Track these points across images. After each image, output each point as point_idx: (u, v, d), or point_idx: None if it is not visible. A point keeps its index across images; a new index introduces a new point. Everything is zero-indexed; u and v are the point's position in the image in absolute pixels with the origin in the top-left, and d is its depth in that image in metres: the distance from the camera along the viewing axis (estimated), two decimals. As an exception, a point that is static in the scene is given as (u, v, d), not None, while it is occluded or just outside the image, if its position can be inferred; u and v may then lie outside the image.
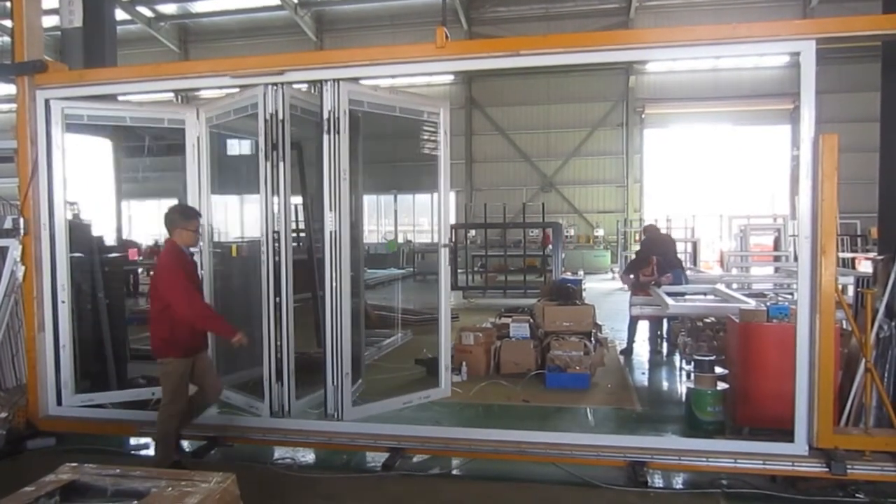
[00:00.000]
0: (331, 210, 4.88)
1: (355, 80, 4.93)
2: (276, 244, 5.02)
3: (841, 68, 20.85)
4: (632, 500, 4.11)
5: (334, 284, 4.88)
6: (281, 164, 4.97)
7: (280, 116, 4.95)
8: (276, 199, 5.02)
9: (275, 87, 4.94)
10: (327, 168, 4.86)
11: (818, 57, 4.09)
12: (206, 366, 4.59)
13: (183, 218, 4.44)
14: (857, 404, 4.45)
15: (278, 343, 5.03)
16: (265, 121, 4.97)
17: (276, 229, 5.02)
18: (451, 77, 24.96)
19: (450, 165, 5.48)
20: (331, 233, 4.89)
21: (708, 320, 7.42)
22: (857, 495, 4.10)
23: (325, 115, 4.84)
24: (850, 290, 7.20)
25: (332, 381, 4.93)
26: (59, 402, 5.30)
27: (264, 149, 5.00)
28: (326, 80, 4.84)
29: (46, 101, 5.19)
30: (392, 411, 5.37)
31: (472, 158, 26.70)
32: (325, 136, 4.84)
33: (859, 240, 19.04)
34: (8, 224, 5.33)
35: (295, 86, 5.14)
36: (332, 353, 4.91)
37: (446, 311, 5.50)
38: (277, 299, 5.01)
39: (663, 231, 10.55)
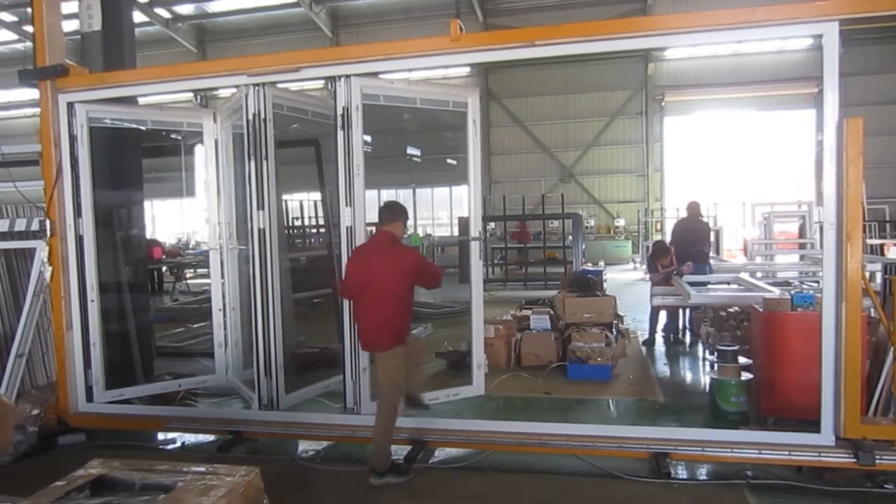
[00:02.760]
0: (347, 205, 4.91)
1: (373, 74, 4.94)
2: (262, 242, 5.09)
3: (866, 49, 20.38)
4: (655, 491, 4.08)
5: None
6: (265, 162, 5.06)
7: (263, 116, 5.04)
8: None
9: (256, 88, 5.04)
10: (342, 164, 4.90)
11: (842, 39, 4.00)
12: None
13: (405, 213, 4.70)
14: (885, 394, 4.37)
15: (266, 338, 5.12)
16: (248, 121, 5.06)
17: (261, 227, 5.09)
18: (468, 69, 24.87)
19: (479, 156, 5.39)
20: (347, 228, 4.93)
21: (731, 310, 7.34)
22: (885, 486, 4.04)
23: (339, 112, 4.87)
24: (878, 278, 7.06)
25: (351, 376, 4.98)
26: (90, 399, 5.41)
27: (247, 148, 5.09)
28: (339, 77, 4.86)
29: (69, 105, 5.28)
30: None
31: (490, 150, 26.60)
32: (340, 132, 4.87)
33: (888, 226, 18.67)
34: (35, 226, 5.44)
35: (313, 83, 5.18)
36: (351, 347, 4.95)
37: (478, 307, 5.36)
38: (264, 296, 5.11)
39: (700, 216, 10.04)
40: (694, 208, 9.46)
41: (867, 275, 4.33)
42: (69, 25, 6.01)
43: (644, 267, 10.73)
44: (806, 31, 4.18)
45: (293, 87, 5.54)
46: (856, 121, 3.91)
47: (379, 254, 4.42)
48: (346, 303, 4.92)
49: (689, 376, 7.24)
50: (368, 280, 4.36)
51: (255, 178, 5.10)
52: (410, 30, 24.13)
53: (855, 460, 3.95)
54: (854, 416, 3.99)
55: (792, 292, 5.34)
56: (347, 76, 4.83)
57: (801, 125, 23.72)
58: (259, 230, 5.11)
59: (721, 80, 23.76)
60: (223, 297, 6.08)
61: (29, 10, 5.30)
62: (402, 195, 28.45)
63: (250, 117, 5.07)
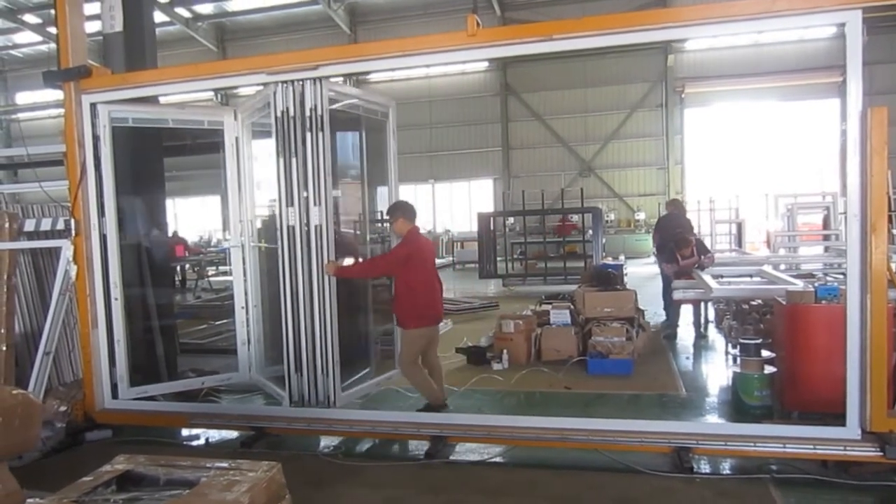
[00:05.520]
0: (315, 205, 5.00)
1: (390, 71, 5.01)
2: (292, 239, 5.13)
3: (892, 37, 19.93)
4: (677, 486, 4.06)
5: (320, 275, 5.07)
6: (294, 160, 5.09)
7: (291, 113, 5.06)
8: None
9: (285, 85, 5.06)
10: (311, 164, 5.01)
11: (866, 26, 3.93)
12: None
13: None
14: (913, 387, 4.30)
15: (297, 336, 5.16)
16: (276, 118, 5.10)
17: (290, 224, 5.13)
18: (486, 64, 24.79)
19: (397, 161, 6.16)
20: (316, 227, 5.03)
21: (754, 302, 7.25)
22: (913, 480, 3.97)
23: (307, 113, 4.98)
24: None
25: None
26: (115, 396, 5.49)
27: (276, 146, 5.13)
28: (307, 80, 5.00)
29: (92, 105, 5.34)
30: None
31: (509, 145, 26.53)
32: (308, 134, 5.00)
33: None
34: (60, 225, 5.53)
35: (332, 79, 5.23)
36: (321, 342, 5.07)
37: None
38: (294, 294, 5.15)
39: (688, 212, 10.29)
40: (674, 205, 9.86)
41: (892, 266, 4.25)
42: (91, 27, 6.11)
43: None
44: (828, 19, 4.10)
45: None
46: (880, 110, 3.83)
47: (426, 240, 5.55)
48: (314, 298, 5.04)
49: (711, 370, 7.17)
50: (430, 260, 5.46)
51: (283, 175, 5.13)
52: (428, 25, 24.10)
53: (882, 454, 3.89)
54: (880, 409, 3.93)
55: (816, 284, 5.27)
56: (316, 79, 4.97)
57: (825, 115, 23.29)
58: (288, 227, 5.13)
59: (742, 71, 23.44)
60: (245, 294, 6.14)
61: (52, 11, 5.38)
62: (422, 191, 28.52)
63: (279, 114, 5.09)
